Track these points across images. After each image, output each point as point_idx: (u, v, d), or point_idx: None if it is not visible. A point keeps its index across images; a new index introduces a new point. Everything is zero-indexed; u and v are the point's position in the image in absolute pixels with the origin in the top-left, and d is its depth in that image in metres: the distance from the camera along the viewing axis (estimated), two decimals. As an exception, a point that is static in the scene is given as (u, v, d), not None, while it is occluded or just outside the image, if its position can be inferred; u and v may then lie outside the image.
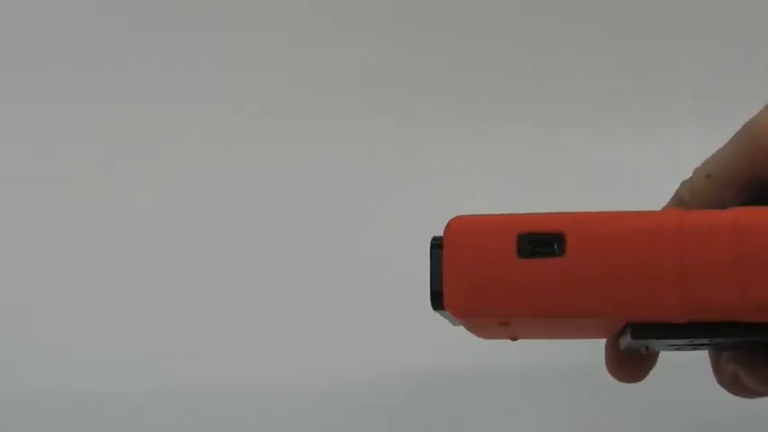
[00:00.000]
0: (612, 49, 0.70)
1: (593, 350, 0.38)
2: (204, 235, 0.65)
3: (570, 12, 0.70)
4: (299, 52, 0.70)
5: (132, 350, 0.58)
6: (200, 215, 0.66)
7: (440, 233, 0.32)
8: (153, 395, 0.56)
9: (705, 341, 0.32)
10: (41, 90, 0.70)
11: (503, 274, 0.31)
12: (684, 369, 0.44)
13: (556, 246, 0.31)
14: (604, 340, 0.38)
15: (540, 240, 0.31)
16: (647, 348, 0.35)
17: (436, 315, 0.33)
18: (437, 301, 0.32)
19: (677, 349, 0.35)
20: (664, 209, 0.37)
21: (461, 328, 0.35)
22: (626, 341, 0.33)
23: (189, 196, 0.67)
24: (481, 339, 0.36)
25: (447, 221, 0.32)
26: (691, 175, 0.37)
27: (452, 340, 0.39)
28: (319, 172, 0.68)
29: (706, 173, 0.36)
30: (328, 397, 0.56)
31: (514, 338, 0.37)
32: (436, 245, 0.32)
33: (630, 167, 0.66)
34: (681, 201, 0.37)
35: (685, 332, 0.30)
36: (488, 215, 0.32)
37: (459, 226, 0.32)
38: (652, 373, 0.39)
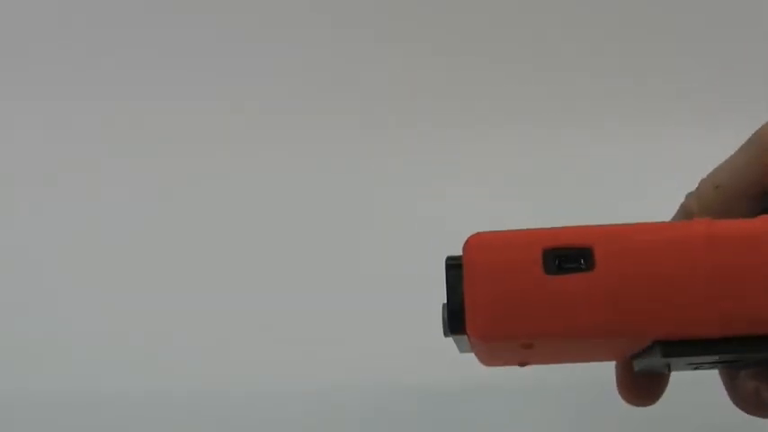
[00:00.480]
0: (612, 49, 0.70)
1: (591, 369, 0.38)
2: (204, 235, 0.65)
3: (570, 12, 0.70)
4: (299, 52, 0.70)
5: (132, 350, 0.58)
6: (200, 215, 0.66)
7: (439, 233, 0.32)
8: (153, 395, 0.56)
9: (732, 357, 0.31)
10: (41, 90, 0.70)
11: (529, 292, 0.29)
12: (690, 385, 0.44)
13: (583, 260, 0.29)
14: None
15: (568, 255, 0.30)
16: (669, 368, 0.34)
17: (436, 315, 0.32)
18: (457, 324, 0.30)
19: (695, 368, 0.34)
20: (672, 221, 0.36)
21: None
22: (643, 362, 0.32)
23: (189, 196, 0.67)
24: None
25: (465, 239, 0.30)
26: (696, 185, 0.37)
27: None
28: (319, 172, 0.68)
29: (714, 184, 0.35)
30: (328, 397, 0.56)
31: (524, 364, 0.35)
32: (453, 264, 0.30)
33: (630, 167, 0.66)
34: (688, 212, 0.36)
35: (717, 347, 0.29)
36: (508, 231, 0.31)
37: (479, 243, 0.30)
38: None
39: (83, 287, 0.62)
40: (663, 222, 0.31)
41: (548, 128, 0.69)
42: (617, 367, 0.37)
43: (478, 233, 0.30)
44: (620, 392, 0.37)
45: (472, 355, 0.33)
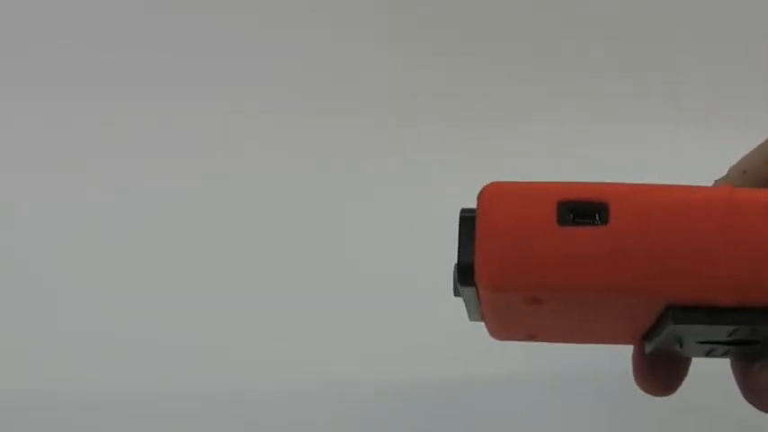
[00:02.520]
0: (612, 49, 0.70)
1: (603, 360, 0.38)
2: (204, 235, 0.65)
3: (570, 12, 0.70)
4: (299, 52, 0.70)
5: (132, 350, 0.58)
6: (199, 215, 0.66)
7: (440, 233, 0.31)
8: (153, 395, 0.56)
9: (746, 333, 0.30)
10: (41, 90, 0.70)
11: (541, 242, 0.29)
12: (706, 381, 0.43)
13: (598, 215, 0.29)
14: (621, 352, 0.37)
15: (582, 209, 0.29)
16: (681, 345, 0.33)
17: (436, 315, 0.32)
18: (466, 275, 0.30)
19: (707, 354, 0.33)
20: None
21: (469, 333, 0.33)
22: (654, 342, 0.32)
23: (189, 196, 0.67)
24: (484, 343, 0.35)
25: (480, 188, 0.30)
26: (726, 172, 0.37)
27: (454, 339, 0.39)
28: (319, 172, 0.68)
29: (743, 169, 0.36)
30: (328, 397, 0.56)
31: (533, 338, 0.35)
32: (467, 217, 0.30)
33: (630, 167, 0.66)
34: None
35: (732, 317, 0.29)
36: (525, 182, 0.30)
37: (494, 192, 0.30)
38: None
39: (83, 287, 0.62)
40: (683, 185, 0.30)
41: (548, 128, 0.69)
42: (633, 355, 0.37)
43: (494, 182, 0.30)
44: (636, 381, 0.37)
45: (473, 353, 0.33)
